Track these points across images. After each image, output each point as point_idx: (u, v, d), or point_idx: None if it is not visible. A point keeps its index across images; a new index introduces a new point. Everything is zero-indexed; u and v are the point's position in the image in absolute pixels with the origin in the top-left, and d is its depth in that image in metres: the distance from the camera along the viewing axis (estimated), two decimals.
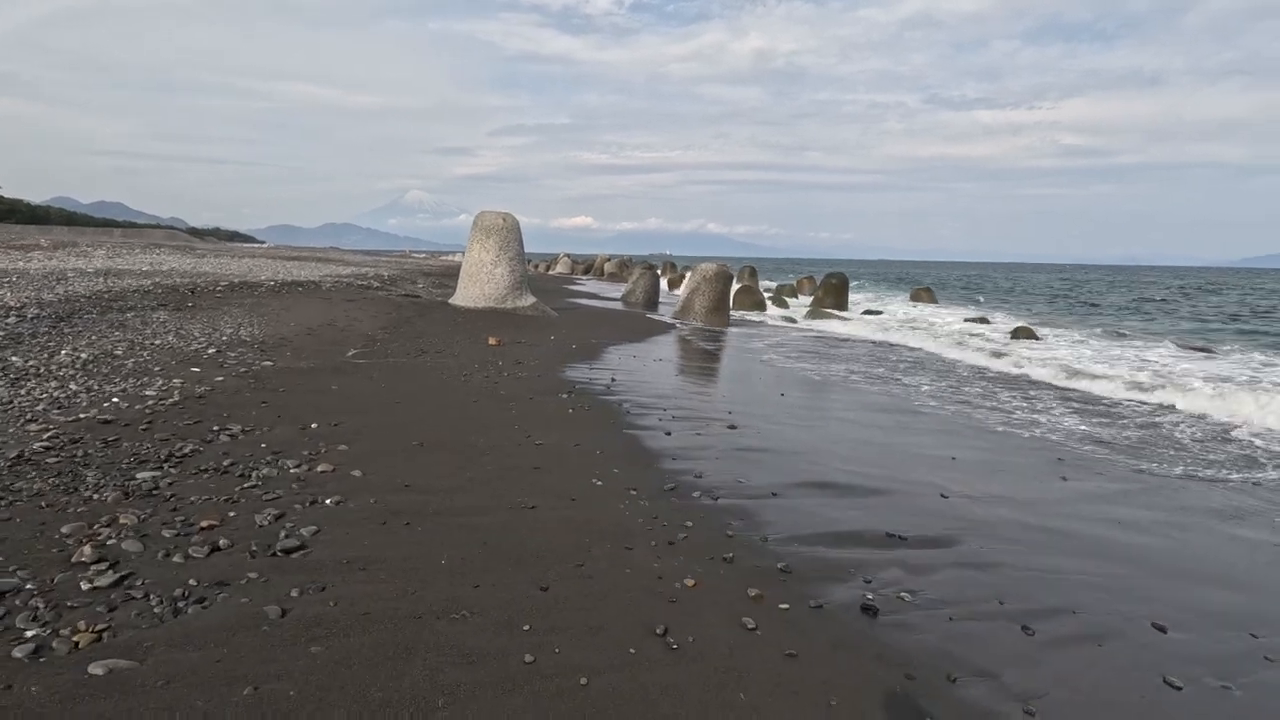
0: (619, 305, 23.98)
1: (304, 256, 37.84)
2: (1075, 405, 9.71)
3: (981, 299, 39.92)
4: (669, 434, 6.52)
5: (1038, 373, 12.30)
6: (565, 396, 7.73)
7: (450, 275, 25.92)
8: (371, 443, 5.20)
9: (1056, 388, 11.15)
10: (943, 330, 20.79)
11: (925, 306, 31.85)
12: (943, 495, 5.43)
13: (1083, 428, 8.31)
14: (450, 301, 16.64)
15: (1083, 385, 11.13)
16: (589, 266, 54.45)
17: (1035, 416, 8.82)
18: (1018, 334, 19.97)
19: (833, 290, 32.39)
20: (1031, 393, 10.51)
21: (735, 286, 24.99)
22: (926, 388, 10.52)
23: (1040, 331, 20.36)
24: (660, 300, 25.96)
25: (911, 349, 15.82)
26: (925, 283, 49.35)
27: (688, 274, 21.39)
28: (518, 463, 5.13)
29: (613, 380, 9.04)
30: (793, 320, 24.76)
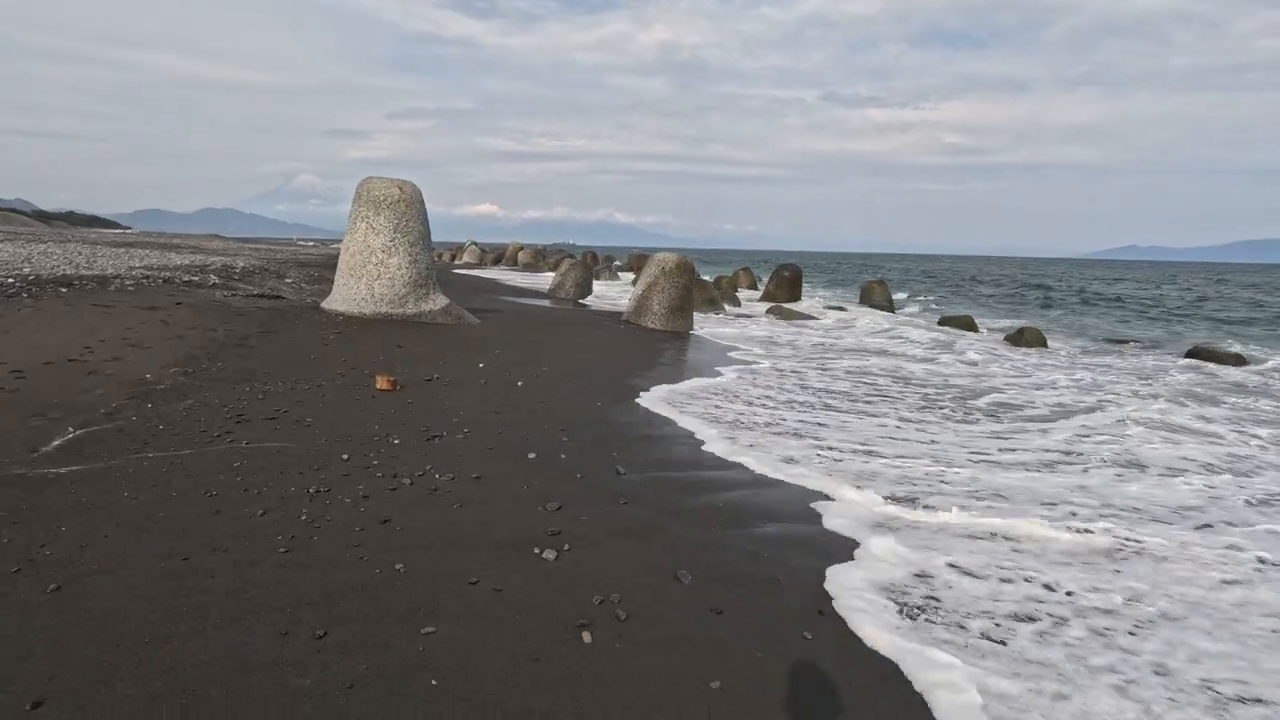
0: (548, 302, 19.51)
1: (144, 244, 31.07)
2: None
3: (928, 296, 37.74)
4: None
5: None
6: (550, 556, 3.32)
7: (334, 266, 20.60)
8: None
9: None
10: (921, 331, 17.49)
11: (883, 301, 28.86)
12: None
13: None
14: (324, 305, 11.71)
15: None
16: (500, 255, 49.33)
17: None
18: (1018, 340, 16.80)
19: (785, 284, 28.96)
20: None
21: None
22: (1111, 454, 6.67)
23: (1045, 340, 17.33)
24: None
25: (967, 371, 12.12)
26: (830, 273, 46.77)
27: (643, 266, 17.14)
28: None
29: (621, 470, 4.69)
30: (748, 316, 20.95)
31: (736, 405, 7.42)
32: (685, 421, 6.38)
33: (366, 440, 4.86)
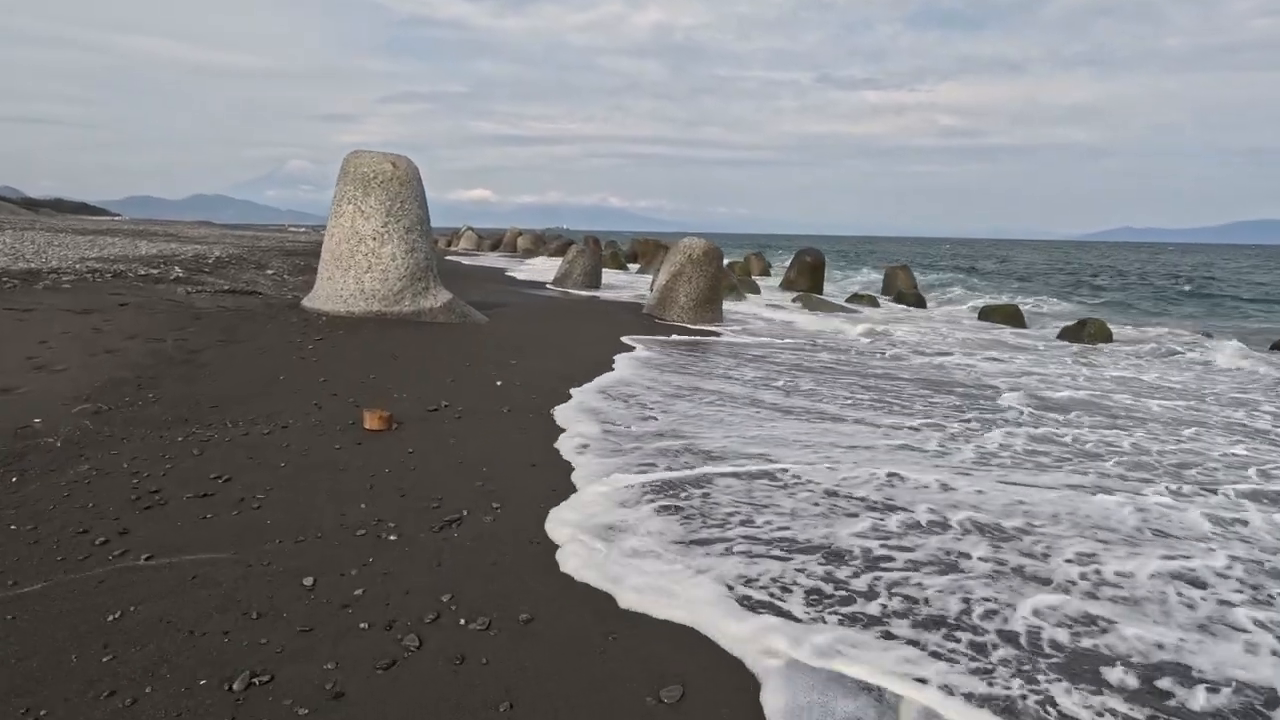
0: (556, 292, 17.82)
1: (115, 231, 29.18)
2: None
3: (943, 274, 36.08)
4: None
5: None
6: None
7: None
8: None
9: None
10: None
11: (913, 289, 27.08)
12: None
13: None
14: (305, 303, 9.94)
15: None
16: (497, 241, 47.48)
17: None
18: (1079, 334, 15.10)
19: (807, 271, 27.14)
20: None
21: None
22: None
23: (1121, 335, 15.64)
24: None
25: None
26: (832, 256, 44.24)
27: (666, 255, 15.38)
28: None
29: None
30: (778, 307, 19.15)
31: (854, 436, 5.68)
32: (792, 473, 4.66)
33: (346, 536, 3.14)
